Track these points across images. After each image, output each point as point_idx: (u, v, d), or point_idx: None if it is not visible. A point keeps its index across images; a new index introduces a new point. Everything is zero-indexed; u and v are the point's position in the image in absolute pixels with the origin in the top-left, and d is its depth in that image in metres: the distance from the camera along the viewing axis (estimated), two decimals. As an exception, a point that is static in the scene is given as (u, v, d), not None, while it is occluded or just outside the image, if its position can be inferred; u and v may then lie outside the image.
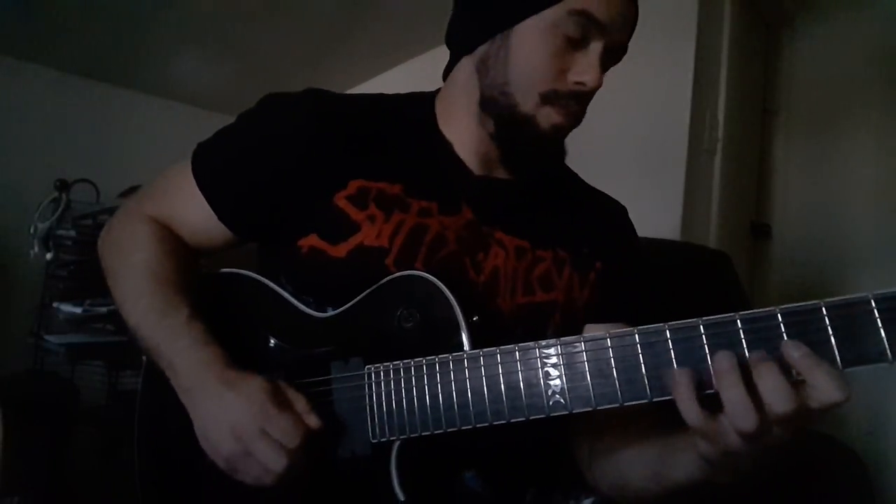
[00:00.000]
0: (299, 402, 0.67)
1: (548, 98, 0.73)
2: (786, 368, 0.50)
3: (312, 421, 0.66)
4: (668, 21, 1.84)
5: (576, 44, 0.72)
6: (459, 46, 0.82)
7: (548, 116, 0.74)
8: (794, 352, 0.50)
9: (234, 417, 0.64)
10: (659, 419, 0.70)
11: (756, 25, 2.15)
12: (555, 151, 0.80)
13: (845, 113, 2.02)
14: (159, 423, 0.79)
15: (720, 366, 0.51)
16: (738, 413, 0.50)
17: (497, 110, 0.77)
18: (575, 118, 0.76)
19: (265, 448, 0.63)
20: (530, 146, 0.77)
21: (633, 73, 1.85)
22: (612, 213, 0.92)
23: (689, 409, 0.53)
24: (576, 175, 0.93)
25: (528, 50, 0.73)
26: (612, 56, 0.76)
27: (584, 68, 0.72)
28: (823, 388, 0.48)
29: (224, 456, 0.65)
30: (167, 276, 0.77)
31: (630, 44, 0.77)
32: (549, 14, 0.71)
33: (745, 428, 0.50)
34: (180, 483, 0.78)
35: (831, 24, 2.10)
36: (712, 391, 0.52)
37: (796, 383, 0.50)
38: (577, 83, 0.73)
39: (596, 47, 0.72)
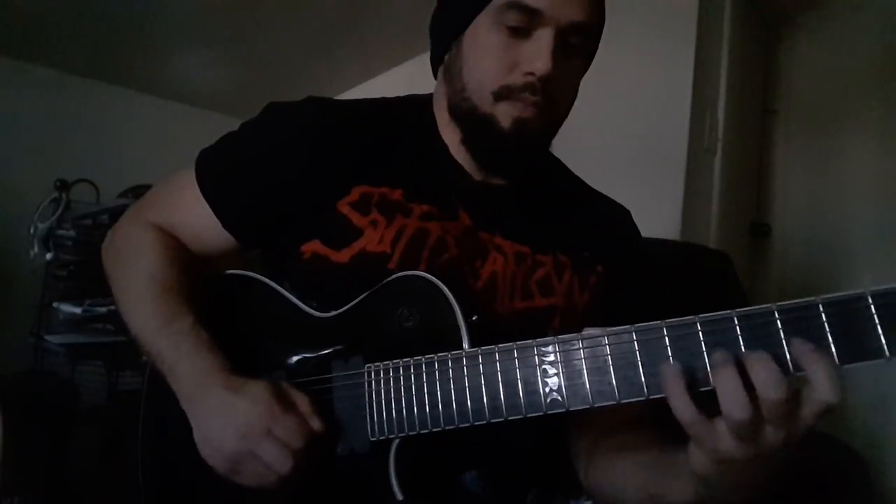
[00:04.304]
0: (303, 404, 0.67)
1: (501, 95, 0.73)
2: (780, 364, 0.50)
3: (315, 423, 0.66)
4: (668, 21, 1.84)
5: (522, 35, 0.72)
6: (432, 57, 0.83)
7: (506, 113, 0.73)
8: (803, 345, 0.49)
9: (241, 418, 0.64)
10: (656, 437, 0.69)
11: (756, 25, 2.15)
12: (528, 147, 0.77)
13: (845, 113, 2.03)
14: (163, 428, 0.79)
15: (716, 360, 0.51)
16: (731, 402, 0.49)
17: (461, 115, 0.77)
18: (540, 109, 0.73)
19: (271, 448, 0.63)
20: (496, 146, 0.76)
21: (632, 73, 1.88)
22: (614, 217, 0.91)
23: (680, 402, 0.52)
24: (577, 178, 0.93)
25: (475, 51, 0.74)
26: (575, 37, 0.73)
27: (531, 57, 0.71)
28: (820, 384, 0.48)
29: (227, 455, 0.65)
30: (170, 283, 0.77)
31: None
32: (489, 12, 0.72)
33: (738, 417, 0.48)
34: (183, 487, 0.78)
35: (831, 24, 2.10)
36: (708, 388, 0.52)
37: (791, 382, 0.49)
38: (527, 73, 0.72)
39: (543, 34, 0.71)
